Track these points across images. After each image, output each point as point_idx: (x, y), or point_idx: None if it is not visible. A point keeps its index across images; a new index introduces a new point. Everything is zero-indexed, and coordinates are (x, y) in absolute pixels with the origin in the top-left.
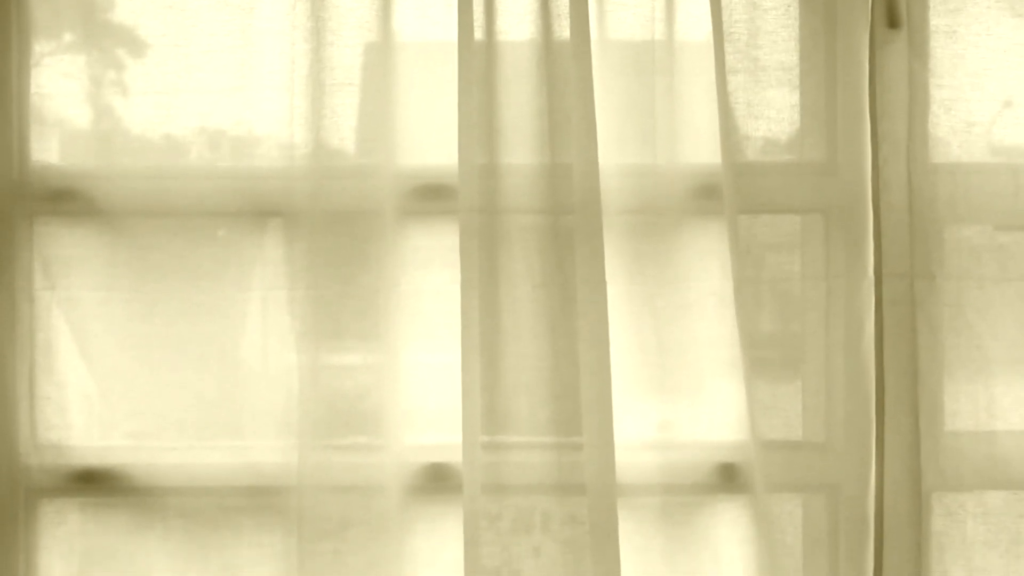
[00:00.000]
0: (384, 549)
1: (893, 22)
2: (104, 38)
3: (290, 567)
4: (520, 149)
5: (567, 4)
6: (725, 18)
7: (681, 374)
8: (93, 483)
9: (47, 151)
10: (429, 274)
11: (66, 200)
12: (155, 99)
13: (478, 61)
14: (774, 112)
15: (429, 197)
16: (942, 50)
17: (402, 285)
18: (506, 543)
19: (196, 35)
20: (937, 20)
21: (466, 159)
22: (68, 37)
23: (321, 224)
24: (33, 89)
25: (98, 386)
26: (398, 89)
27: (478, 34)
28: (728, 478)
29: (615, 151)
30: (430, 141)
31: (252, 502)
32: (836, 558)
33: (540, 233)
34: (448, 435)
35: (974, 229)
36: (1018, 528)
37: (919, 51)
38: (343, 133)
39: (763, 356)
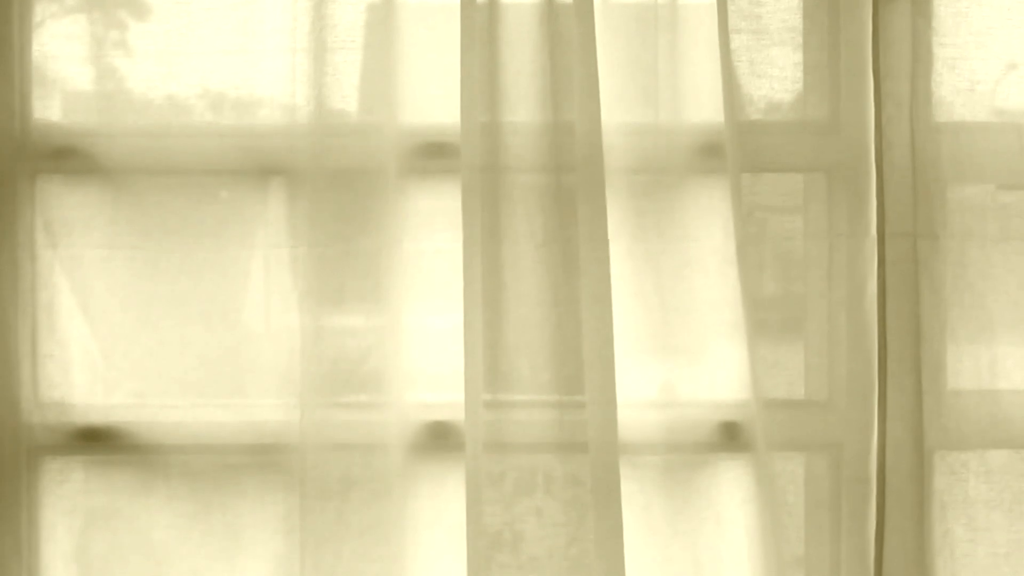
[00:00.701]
0: (386, 507)
1: None
2: None
3: (292, 527)
4: (522, 107)
5: None
6: None
7: (683, 332)
8: (96, 441)
9: (49, 110)
10: (431, 235)
11: (68, 158)
12: (157, 60)
13: (480, 19)
14: (777, 71)
15: (431, 155)
16: (945, 9)
17: (404, 245)
18: (508, 504)
19: None
20: None
21: (468, 117)
22: None
23: (323, 182)
24: (36, 50)
25: (100, 344)
26: (400, 48)
27: None
28: (730, 437)
29: (618, 109)
30: (432, 99)
31: (255, 460)
32: (838, 517)
33: (542, 191)
34: (450, 394)
35: (977, 188)
36: (1020, 487)
37: (923, 9)
38: (345, 92)
39: (765, 315)
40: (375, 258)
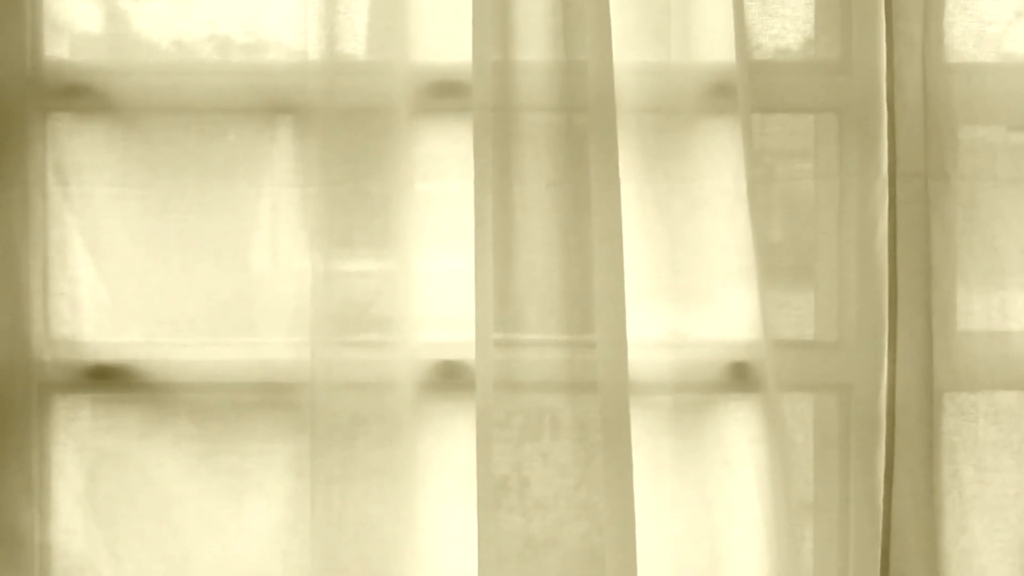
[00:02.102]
0: (396, 447)
1: None
2: None
3: (302, 467)
4: (534, 46)
5: None
6: None
7: (693, 273)
8: (106, 379)
9: (59, 49)
10: (442, 179)
11: (79, 96)
12: (166, 4)
13: None
14: (789, 11)
15: (442, 94)
16: None
17: (415, 188)
18: (516, 448)
19: None
20: None
21: (480, 56)
22: None
23: (334, 121)
24: None
25: (111, 283)
26: None
27: None
28: (740, 377)
29: (629, 49)
30: (444, 38)
31: (265, 399)
32: (847, 457)
33: (554, 131)
34: (460, 334)
35: (988, 129)
36: None
37: None
38: (356, 30)
39: (776, 255)
40: (385, 201)
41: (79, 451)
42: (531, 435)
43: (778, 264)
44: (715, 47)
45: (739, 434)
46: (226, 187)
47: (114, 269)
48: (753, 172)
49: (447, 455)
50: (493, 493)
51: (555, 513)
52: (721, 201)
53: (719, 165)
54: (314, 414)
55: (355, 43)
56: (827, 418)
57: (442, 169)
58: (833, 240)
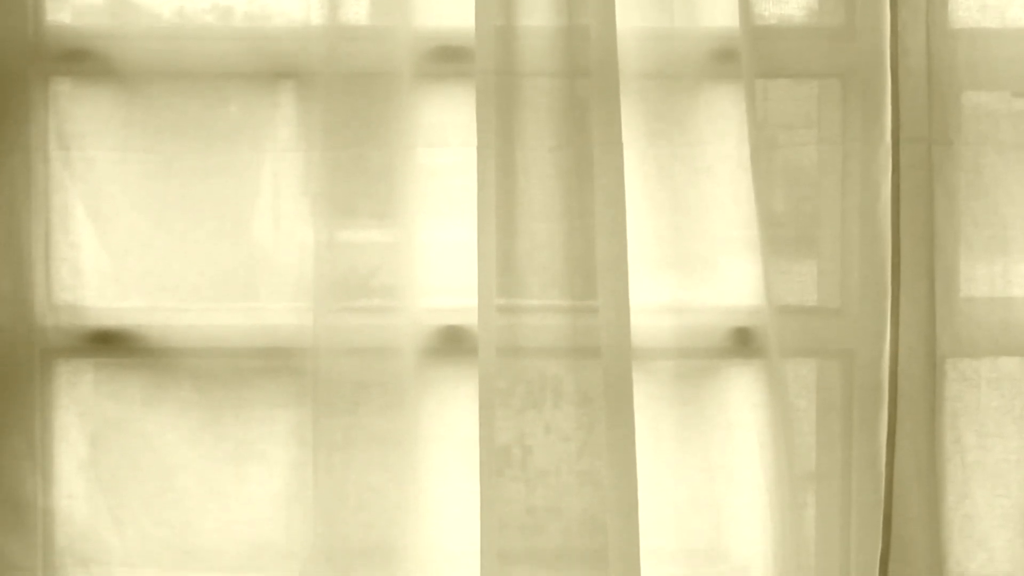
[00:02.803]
0: (399, 413)
1: None
2: None
3: (304, 434)
4: (537, 11)
5: None
6: None
7: (696, 238)
8: (108, 344)
9: (61, 14)
10: (444, 150)
11: (81, 61)
12: None
13: None
14: None
15: (445, 59)
16: None
17: (418, 159)
18: (519, 418)
19: None
20: None
21: (483, 21)
22: None
23: (337, 86)
24: None
25: (113, 248)
26: None
27: None
28: (742, 343)
29: (633, 13)
30: (447, 2)
31: (267, 364)
32: (849, 423)
33: (557, 96)
34: (463, 300)
35: (992, 95)
36: None
37: None
38: None
39: (779, 221)
40: (388, 167)
41: (81, 416)
42: (533, 403)
43: (781, 231)
44: (718, 12)
45: (742, 400)
46: (228, 152)
47: (116, 234)
48: (756, 138)
49: (450, 423)
50: (495, 461)
51: (557, 480)
52: (724, 167)
53: (722, 131)
54: (316, 380)
55: (357, 8)
56: (830, 384)
57: (444, 135)
58: (836, 206)
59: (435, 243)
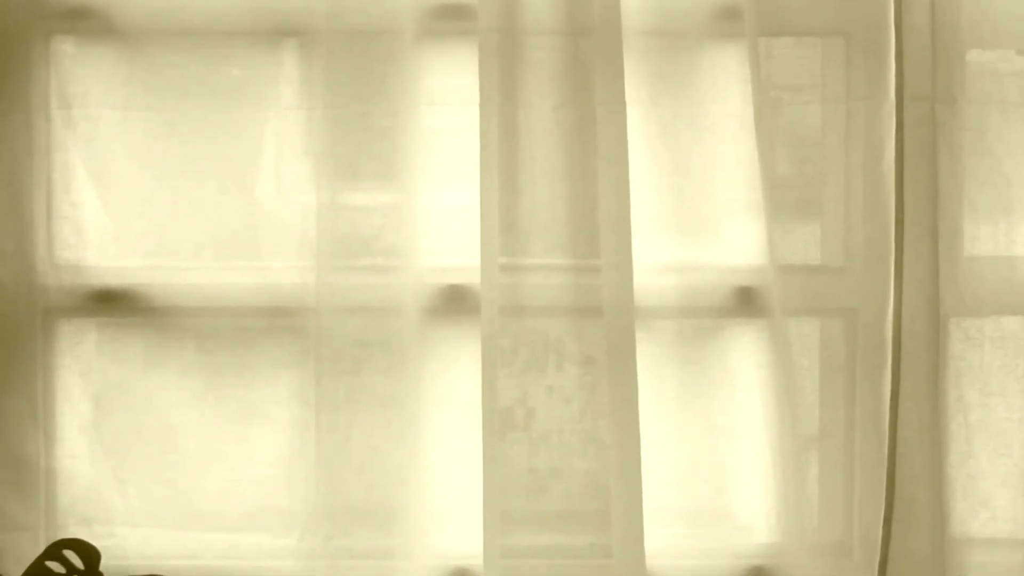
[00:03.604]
0: (402, 372)
1: None
2: None
3: (307, 393)
4: None
5: None
6: None
7: (700, 197)
8: (110, 303)
9: None
10: (447, 104)
11: (83, 19)
12: None
13: None
14: None
15: (448, 17)
16: None
17: (421, 119)
18: (521, 379)
19: None
20: None
21: None
22: None
23: (339, 44)
24: None
25: (115, 206)
26: None
27: None
28: (746, 302)
29: None
30: None
31: (269, 323)
32: (853, 382)
33: (560, 54)
34: (466, 260)
35: (996, 53)
36: None
37: None
38: None
39: (782, 179)
40: (391, 126)
41: (83, 376)
42: (537, 365)
43: (785, 192)
44: None
45: (745, 359)
46: (231, 111)
47: (118, 193)
48: (760, 97)
49: (453, 384)
50: (498, 422)
51: (560, 442)
52: (727, 126)
53: (725, 90)
54: (319, 339)
55: None
56: (833, 343)
57: (447, 93)
58: (840, 164)
59: (437, 205)
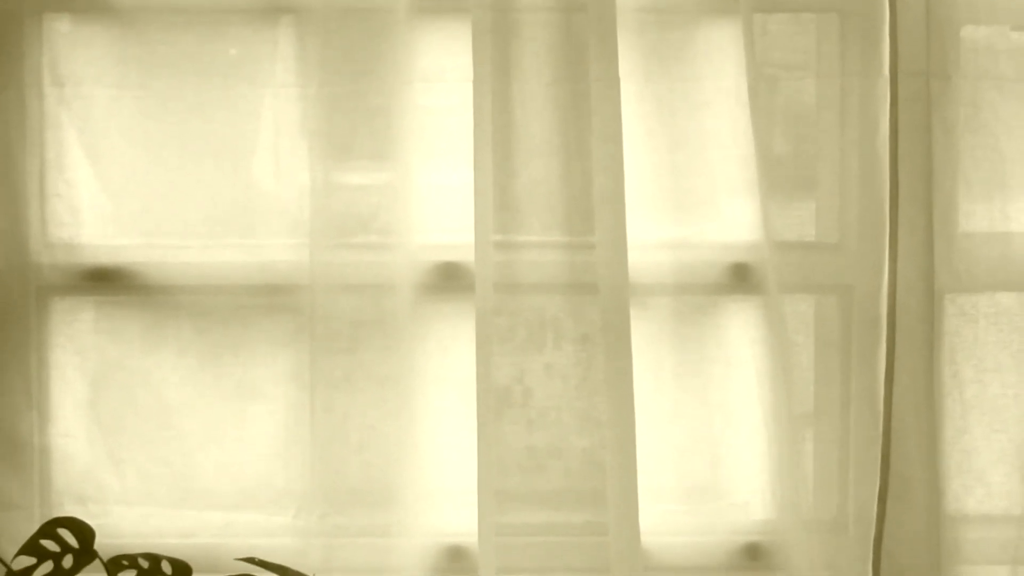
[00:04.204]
0: (397, 350)
1: None
2: None
3: (303, 372)
4: None
5: None
6: None
7: (695, 174)
8: (105, 282)
9: None
10: (441, 81)
11: None
12: None
13: None
14: None
15: None
16: None
17: (415, 94)
18: (518, 359)
19: None
20: None
21: None
22: None
23: (334, 21)
24: None
25: (109, 184)
26: None
27: None
28: (741, 278)
29: None
30: None
31: (265, 301)
32: (848, 358)
33: (554, 30)
34: (460, 238)
35: (991, 29)
36: None
37: None
38: None
39: (777, 155)
40: (385, 109)
41: (78, 355)
42: (534, 345)
43: (780, 167)
44: None
45: (740, 336)
46: (225, 88)
47: (112, 171)
48: (754, 73)
49: (449, 363)
50: (495, 400)
51: (558, 420)
52: (722, 102)
53: (720, 66)
54: (314, 317)
55: None
56: (828, 319)
57: (441, 70)
58: (834, 140)
59: (432, 184)
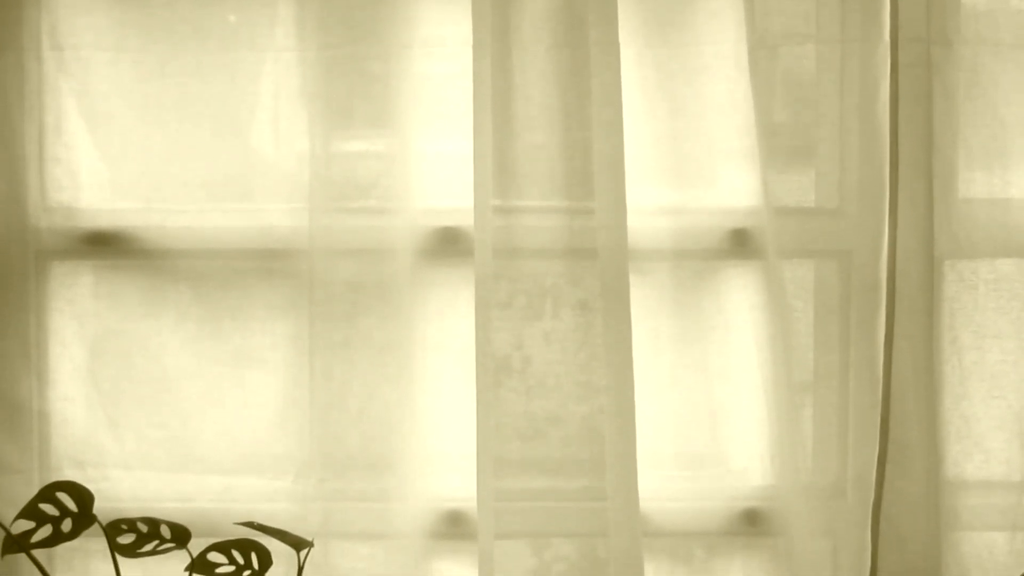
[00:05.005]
0: (396, 314)
1: None
2: None
3: (302, 336)
4: None
5: None
6: None
7: (694, 138)
8: (104, 246)
9: None
10: (441, 47)
11: None
12: None
13: None
14: None
15: None
16: None
17: (415, 58)
18: (516, 327)
19: None
20: None
21: None
22: None
23: None
24: None
25: (108, 148)
26: None
27: None
28: (740, 244)
29: None
30: None
31: (263, 265)
32: (847, 324)
33: None
34: (460, 201)
35: None
36: None
37: None
38: None
39: (777, 120)
40: (384, 74)
41: (77, 318)
42: (534, 313)
43: (780, 133)
44: None
45: (739, 302)
46: (224, 51)
47: (111, 135)
48: (754, 38)
49: (448, 330)
50: (493, 367)
51: (556, 386)
52: (722, 67)
53: (720, 31)
54: (313, 283)
55: None
56: (827, 285)
57: (441, 34)
58: (835, 106)
59: (432, 150)
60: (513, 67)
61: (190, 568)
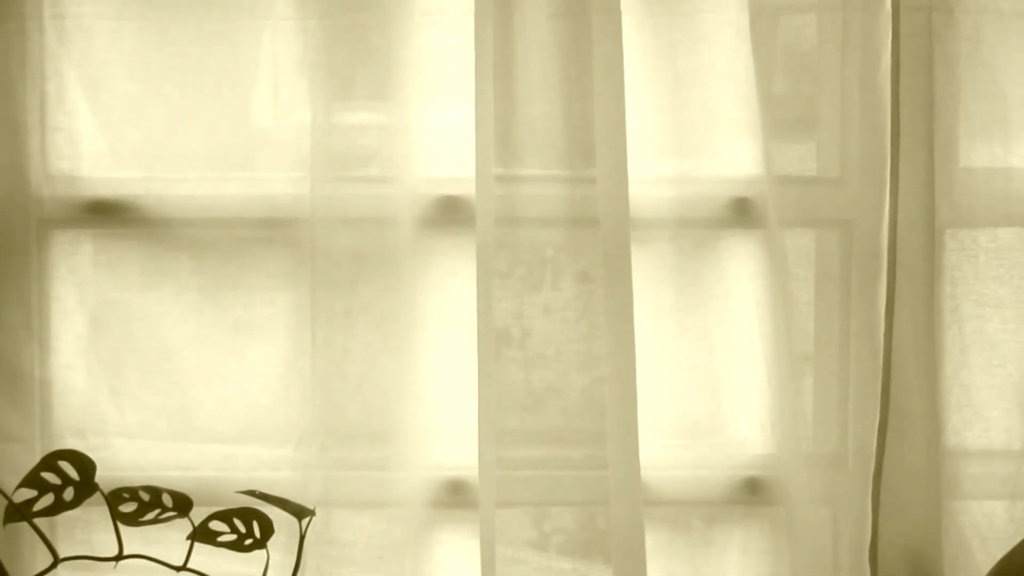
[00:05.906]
0: (397, 286)
1: None
2: None
3: (303, 307)
4: None
5: None
6: None
7: (696, 107)
8: (105, 215)
9: None
10: (441, 14)
11: None
12: None
13: None
14: None
15: None
16: None
17: (416, 27)
18: (517, 298)
19: None
20: None
21: None
22: None
23: None
24: None
25: (109, 117)
26: None
27: None
28: (741, 213)
29: None
30: None
31: (265, 234)
32: (848, 292)
33: None
34: (461, 170)
35: None
36: None
37: None
38: None
39: (778, 88)
40: (386, 43)
41: (79, 287)
42: (533, 283)
43: (781, 101)
44: None
45: (740, 270)
46: (226, 19)
47: (112, 103)
48: (755, 6)
49: (449, 301)
50: (494, 338)
51: (557, 356)
52: (723, 35)
53: None
54: (314, 252)
55: None
56: (828, 254)
57: (442, 5)
58: (836, 74)
59: (433, 120)
60: (515, 36)
61: (192, 536)
